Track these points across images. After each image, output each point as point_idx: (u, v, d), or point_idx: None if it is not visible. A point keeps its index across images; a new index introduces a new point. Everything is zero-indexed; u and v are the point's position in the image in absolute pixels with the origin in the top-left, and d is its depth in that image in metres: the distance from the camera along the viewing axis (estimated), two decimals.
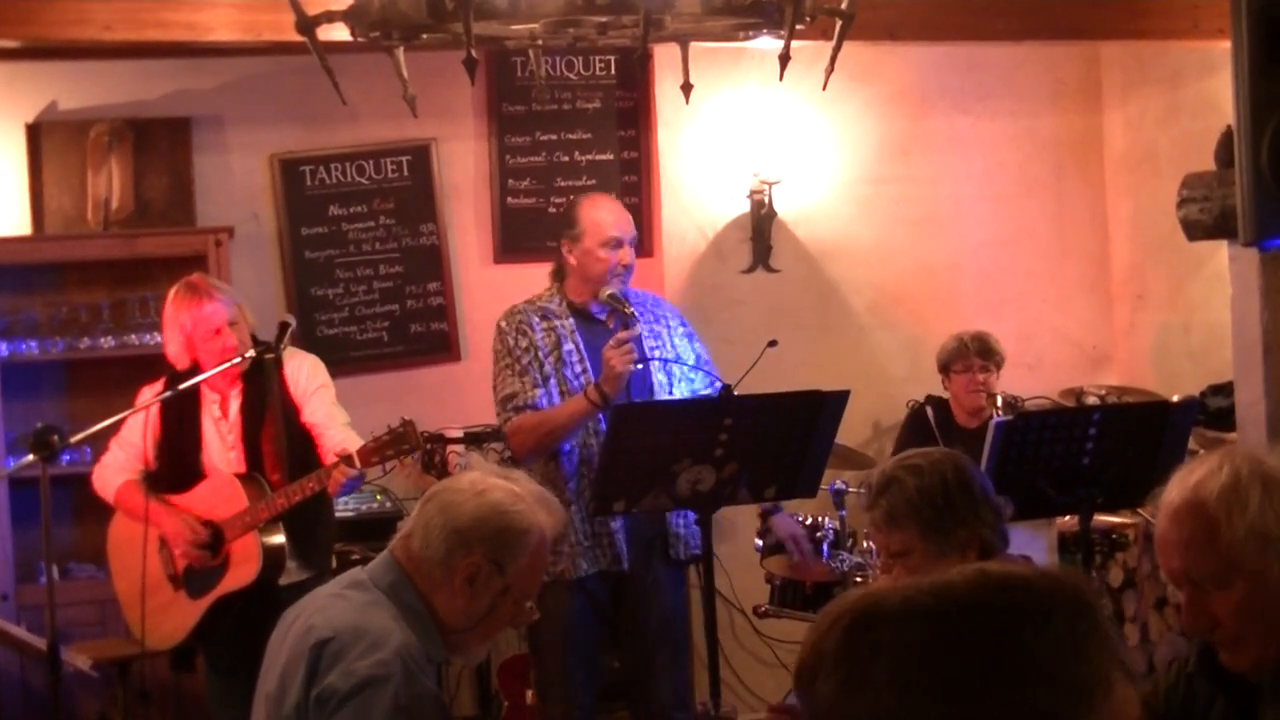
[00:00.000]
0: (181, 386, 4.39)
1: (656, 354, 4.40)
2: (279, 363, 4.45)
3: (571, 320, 4.39)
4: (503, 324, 4.41)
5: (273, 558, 4.35)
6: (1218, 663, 2.21)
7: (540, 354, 4.33)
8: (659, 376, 4.39)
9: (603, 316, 4.43)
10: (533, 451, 4.30)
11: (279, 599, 3.77)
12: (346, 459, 4.17)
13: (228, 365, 4.38)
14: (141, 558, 4.35)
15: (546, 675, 4.42)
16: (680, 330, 4.53)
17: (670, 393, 4.39)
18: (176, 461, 4.51)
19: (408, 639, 2.52)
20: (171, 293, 4.51)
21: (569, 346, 4.35)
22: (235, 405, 4.49)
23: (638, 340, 4.25)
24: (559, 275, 4.48)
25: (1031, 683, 1.22)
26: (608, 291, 4.37)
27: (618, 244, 4.37)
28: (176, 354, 4.48)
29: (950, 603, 1.25)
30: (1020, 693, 1.22)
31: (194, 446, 4.50)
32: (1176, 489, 2.14)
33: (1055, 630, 1.24)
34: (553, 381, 4.32)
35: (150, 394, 4.50)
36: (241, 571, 4.36)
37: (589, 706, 4.40)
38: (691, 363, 4.46)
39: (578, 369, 4.34)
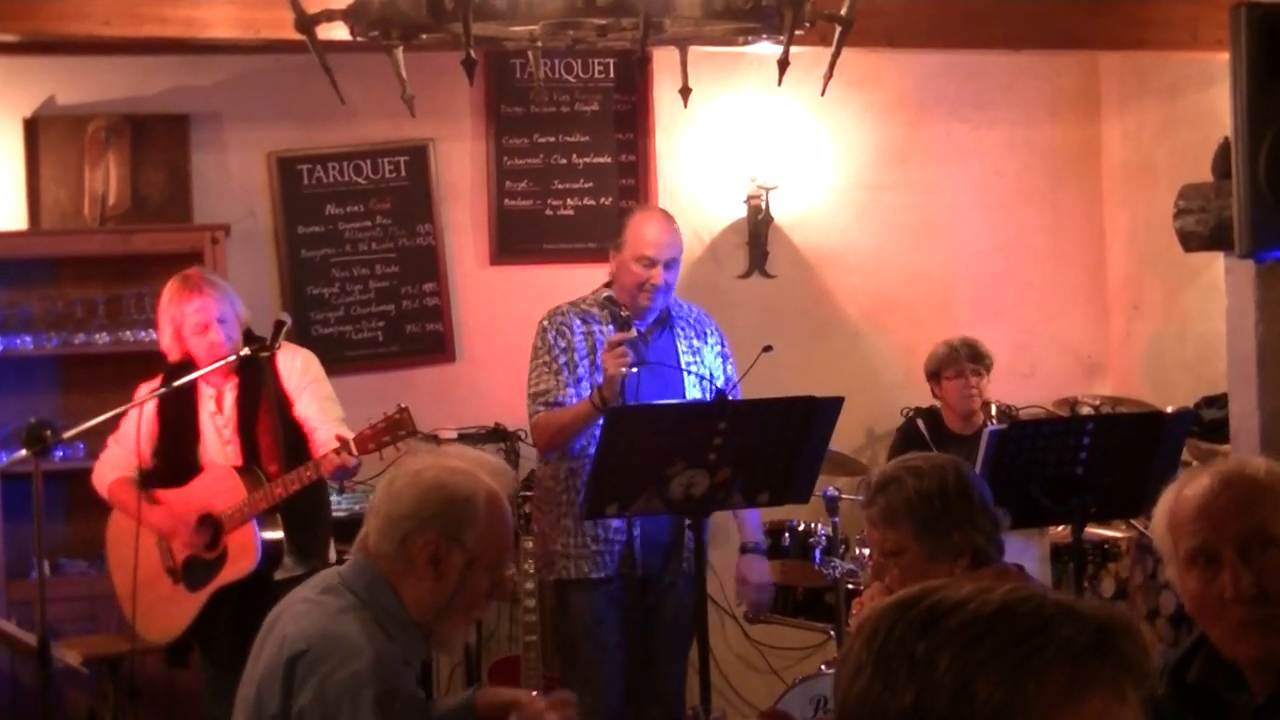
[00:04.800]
0: (175, 384, 4.40)
1: (693, 369, 4.47)
2: (271, 356, 4.45)
3: (611, 328, 4.45)
4: (545, 322, 4.52)
5: (270, 550, 4.37)
6: (1187, 685, 2.21)
7: (577, 355, 4.43)
8: (693, 393, 4.45)
9: (643, 329, 4.48)
10: (549, 446, 4.48)
11: (275, 593, 3.78)
12: (343, 444, 4.19)
13: (219, 364, 4.39)
14: (137, 553, 4.35)
15: (573, 671, 4.48)
16: (717, 349, 4.60)
17: None
18: (174, 456, 4.52)
19: (382, 645, 2.53)
20: (167, 285, 4.52)
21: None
22: (230, 399, 4.50)
23: (632, 344, 4.29)
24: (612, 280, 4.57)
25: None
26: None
27: (651, 263, 4.43)
28: (168, 346, 4.51)
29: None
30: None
31: (191, 441, 4.51)
32: (1206, 477, 2.16)
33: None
34: (585, 383, 4.41)
35: (147, 391, 4.50)
36: (240, 563, 4.38)
37: (618, 704, 4.45)
38: (721, 383, 4.51)
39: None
